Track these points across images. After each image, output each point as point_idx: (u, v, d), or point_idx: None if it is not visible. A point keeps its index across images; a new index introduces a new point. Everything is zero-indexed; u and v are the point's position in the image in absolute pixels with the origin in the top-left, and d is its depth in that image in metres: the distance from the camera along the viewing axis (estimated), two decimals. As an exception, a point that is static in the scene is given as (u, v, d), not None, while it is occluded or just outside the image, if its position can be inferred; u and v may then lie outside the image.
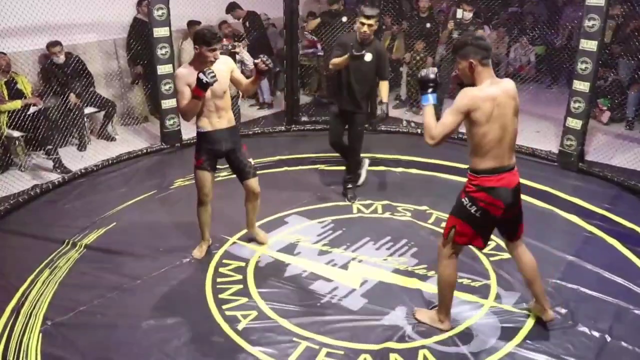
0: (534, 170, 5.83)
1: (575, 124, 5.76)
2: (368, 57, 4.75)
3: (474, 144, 3.05)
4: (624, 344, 3.32)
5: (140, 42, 6.75)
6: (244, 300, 3.74)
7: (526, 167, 5.89)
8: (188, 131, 6.80)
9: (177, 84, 3.82)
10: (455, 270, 3.31)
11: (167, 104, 6.36)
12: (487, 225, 3.20)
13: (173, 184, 5.56)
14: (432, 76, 3.11)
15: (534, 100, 7.78)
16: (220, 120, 3.93)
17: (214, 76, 3.59)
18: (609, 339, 3.37)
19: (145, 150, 6.38)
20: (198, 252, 4.26)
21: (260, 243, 4.40)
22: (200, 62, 3.72)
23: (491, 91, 2.97)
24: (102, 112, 6.78)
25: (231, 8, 7.88)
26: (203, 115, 3.89)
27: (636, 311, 3.62)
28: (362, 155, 5.31)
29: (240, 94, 7.09)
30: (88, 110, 6.59)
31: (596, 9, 5.32)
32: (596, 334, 3.41)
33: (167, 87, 6.27)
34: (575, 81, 5.67)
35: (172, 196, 5.32)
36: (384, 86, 4.91)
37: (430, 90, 3.11)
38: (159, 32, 6.03)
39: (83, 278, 4.00)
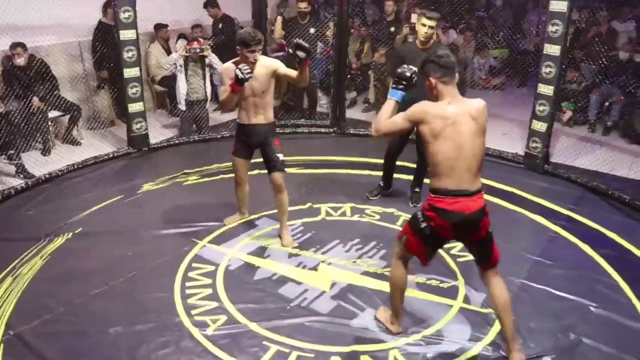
0: (500, 172, 5.92)
1: (540, 126, 5.88)
2: None
3: (428, 161, 3.06)
4: (587, 341, 3.40)
5: (105, 45, 6.64)
6: (213, 305, 3.71)
7: (493, 169, 6.01)
8: (156, 135, 6.75)
9: (221, 78, 4.29)
10: (403, 273, 3.28)
11: (134, 107, 6.26)
12: (435, 244, 3.17)
13: (141, 188, 5.48)
14: (407, 74, 3.13)
15: (501, 103, 7.91)
16: (256, 116, 4.26)
17: (249, 72, 3.89)
18: (574, 337, 3.44)
19: (111, 155, 6.26)
20: (229, 219, 4.76)
21: (283, 245, 4.45)
22: (243, 61, 4.04)
23: (447, 109, 2.95)
24: (67, 116, 6.65)
25: (209, 4, 7.81)
26: (242, 109, 4.27)
27: (600, 310, 3.70)
28: (334, 158, 5.28)
29: (209, 97, 7.06)
30: (52, 114, 6.45)
31: (559, 15, 5.44)
32: (562, 332, 3.48)
33: (133, 90, 6.18)
34: (540, 84, 5.79)
35: (140, 200, 5.25)
36: None
37: (401, 86, 3.13)
38: (126, 34, 5.94)
39: (48, 285, 3.91)
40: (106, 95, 7.25)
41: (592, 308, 3.72)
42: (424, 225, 3.06)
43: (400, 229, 4.56)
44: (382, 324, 3.52)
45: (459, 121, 2.93)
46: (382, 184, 5.30)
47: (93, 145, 6.58)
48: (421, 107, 2.99)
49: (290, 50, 3.95)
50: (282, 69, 4.19)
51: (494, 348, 3.33)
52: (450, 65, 2.99)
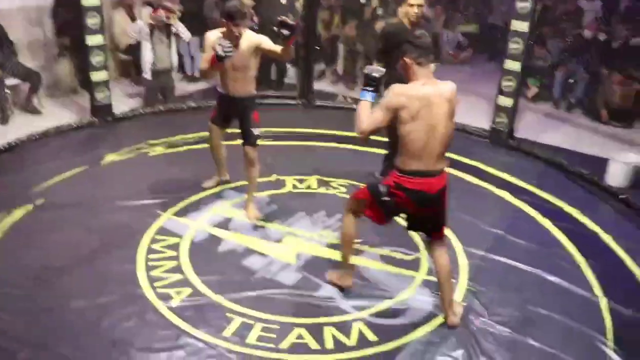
0: (465, 145, 5.97)
1: (506, 101, 5.94)
2: None
3: (399, 142, 3.05)
4: (544, 311, 3.52)
5: (67, 10, 6.42)
6: (177, 277, 3.69)
7: (458, 142, 6.04)
8: (119, 104, 6.60)
9: (205, 45, 4.18)
10: (354, 226, 3.38)
11: (98, 76, 6.08)
12: (395, 213, 3.29)
13: (104, 158, 5.37)
14: (375, 75, 3.08)
15: (468, 78, 7.96)
16: (235, 89, 4.23)
17: (230, 50, 3.82)
18: (531, 308, 3.55)
19: (74, 125, 6.11)
20: (207, 183, 4.82)
21: (248, 219, 4.39)
22: (228, 34, 3.96)
23: (422, 90, 2.95)
24: (27, 84, 6.44)
25: None
26: (223, 79, 4.24)
27: (555, 280, 3.83)
28: (301, 130, 5.42)
29: (175, 68, 6.93)
30: (10, 81, 6.25)
31: (527, -9, 5.47)
32: (520, 303, 3.58)
33: (97, 58, 5.99)
34: (506, 60, 5.84)
35: (103, 171, 5.16)
36: None
37: (370, 88, 3.08)
38: (88, 0, 5.75)
39: (9, 259, 3.83)
40: (67, 62, 7.04)
41: (549, 280, 3.83)
42: (387, 199, 3.13)
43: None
44: (334, 284, 3.61)
45: (434, 102, 2.95)
46: None
47: (54, 114, 6.41)
48: (397, 92, 2.97)
49: (275, 29, 3.82)
50: (266, 44, 4.08)
51: (454, 319, 3.41)
52: (426, 46, 2.99)
